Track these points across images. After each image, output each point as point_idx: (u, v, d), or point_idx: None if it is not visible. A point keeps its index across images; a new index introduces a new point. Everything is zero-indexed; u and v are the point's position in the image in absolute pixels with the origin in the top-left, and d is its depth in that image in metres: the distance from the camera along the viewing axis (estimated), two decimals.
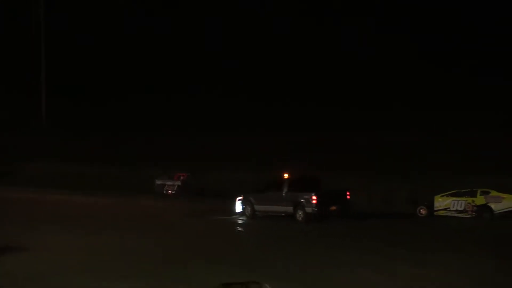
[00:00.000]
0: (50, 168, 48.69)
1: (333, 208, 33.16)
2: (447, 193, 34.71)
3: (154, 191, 43.50)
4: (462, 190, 34.49)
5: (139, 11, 69.15)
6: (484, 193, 33.96)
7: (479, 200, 33.92)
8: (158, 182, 43.92)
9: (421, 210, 35.00)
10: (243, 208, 35.33)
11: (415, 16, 59.91)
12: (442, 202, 34.75)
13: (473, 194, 34.16)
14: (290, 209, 33.33)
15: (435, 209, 34.76)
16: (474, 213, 33.82)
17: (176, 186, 43.22)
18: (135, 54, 66.59)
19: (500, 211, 33.49)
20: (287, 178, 34.35)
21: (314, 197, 32.65)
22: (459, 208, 34.28)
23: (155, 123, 57.17)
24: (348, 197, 33.66)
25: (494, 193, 33.82)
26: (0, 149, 51.05)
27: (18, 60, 64.77)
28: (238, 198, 35.72)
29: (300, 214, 32.98)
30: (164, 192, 43.33)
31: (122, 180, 46.16)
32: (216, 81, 61.26)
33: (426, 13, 60.14)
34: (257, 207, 34.85)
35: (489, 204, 33.66)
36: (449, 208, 34.49)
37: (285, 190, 33.82)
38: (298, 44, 62.56)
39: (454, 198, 34.47)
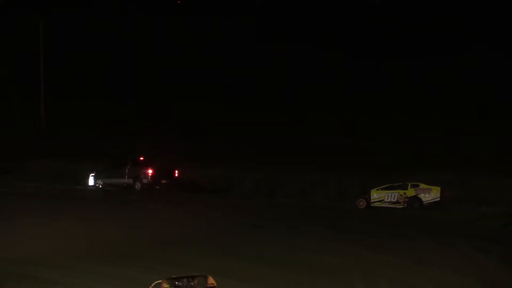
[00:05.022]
0: (50, 165, 51.09)
1: (163, 181, 42.33)
2: (382, 186, 39.07)
3: None
4: (395, 184, 38.93)
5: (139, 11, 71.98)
6: (414, 186, 38.41)
7: (410, 192, 38.31)
8: None
9: (360, 202, 39.14)
10: (94, 182, 44.89)
11: None
12: (378, 195, 39.08)
13: (404, 187, 38.55)
14: (131, 181, 42.46)
15: (372, 200, 39.02)
16: (405, 204, 38.20)
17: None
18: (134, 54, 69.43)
19: (429, 201, 37.99)
20: (130, 159, 43.44)
21: (150, 171, 42.06)
22: (392, 200, 38.65)
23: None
24: (176, 174, 42.68)
25: (423, 185, 38.27)
26: (1, 148, 53.33)
27: (18, 61, 66.41)
28: (91, 174, 44.94)
29: (138, 185, 42.17)
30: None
31: None
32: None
33: None
34: (105, 180, 43.69)
35: (419, 196, 38.16)
36: (384, 199, 38.83)
37: (128, 166, 42.70)
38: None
39: (388, 191, 38.86)
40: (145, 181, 42.06)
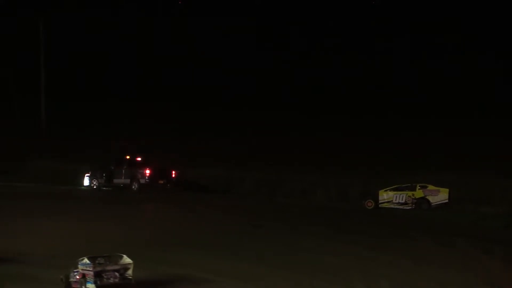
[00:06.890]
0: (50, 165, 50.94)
1: (161, 181, 41.74)
2: (390, 187, 38.95)
3: None
4: (403, 185, 38.80)
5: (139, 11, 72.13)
6: (422, 187, 38.32)
7: (418, 193, 38.17)
8: None
9: (368, 203, 38.97)
10: (89, 182, 44.22)
11: None
12: (386, 196, 38.96)
13: (413, 188, 38.39)
14: (127, 181, 41.96)
15: (380, 201, 38.86)
16: (413, 205, 38.08)
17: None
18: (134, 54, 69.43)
19: (437, 202, 37.86)
20: (126, 159, 43.13)
21: (147, 171, 41.59)
22: (400, 201, 38.50)
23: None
24: (173, 175, 42.24)
25: (431, 187, 38.14)
26: (2, 149, 53.27)
27: (18, 61, 66.44)
28: (86, 174, 44.50)
29: (135, 185, 41.74)
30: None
31: None
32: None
33: None
34: (101, 180, 43.37)
35: (427, 197, 38.03)
36: (392, 200, 38.70)
37: (124, 167, 42.32)
38: None
39: (396, 192, 38.74)
40: (142, 181, 41.87)
